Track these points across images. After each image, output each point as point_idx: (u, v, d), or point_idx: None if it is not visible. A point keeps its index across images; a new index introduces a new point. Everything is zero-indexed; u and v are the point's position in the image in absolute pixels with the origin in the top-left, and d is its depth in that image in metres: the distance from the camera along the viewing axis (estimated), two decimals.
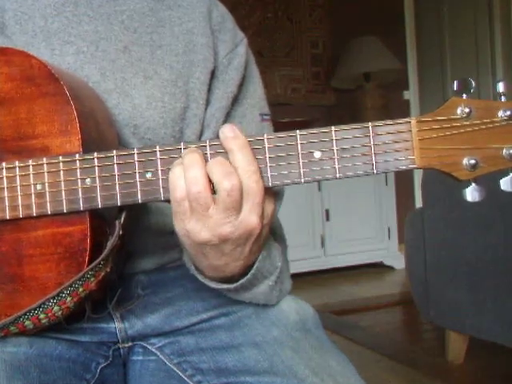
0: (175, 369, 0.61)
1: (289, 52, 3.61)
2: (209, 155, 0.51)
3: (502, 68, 3.62)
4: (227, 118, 0.72)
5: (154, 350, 0.63)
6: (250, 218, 0.50)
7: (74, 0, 0.68)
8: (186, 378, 0.59)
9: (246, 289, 0.59)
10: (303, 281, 3.10)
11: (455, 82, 0.48)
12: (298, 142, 0.49)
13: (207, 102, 0.71)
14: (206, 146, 0.51)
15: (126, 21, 0.69)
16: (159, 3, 0.72)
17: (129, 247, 0.65)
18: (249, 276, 0.57)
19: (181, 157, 0.51)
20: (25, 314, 0.54)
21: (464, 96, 0.48)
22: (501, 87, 0.48)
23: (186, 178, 0.49)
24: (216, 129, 0.70)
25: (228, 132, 0.50)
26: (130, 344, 0.65)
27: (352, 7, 3.61)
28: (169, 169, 0.51)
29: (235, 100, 0.73)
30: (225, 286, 0.58)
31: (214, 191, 0.49)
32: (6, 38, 0.66)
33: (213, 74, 0.71)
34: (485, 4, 3.69)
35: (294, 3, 3.59)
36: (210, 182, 0.49)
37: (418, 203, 3.58)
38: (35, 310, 0.53)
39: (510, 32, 3.57)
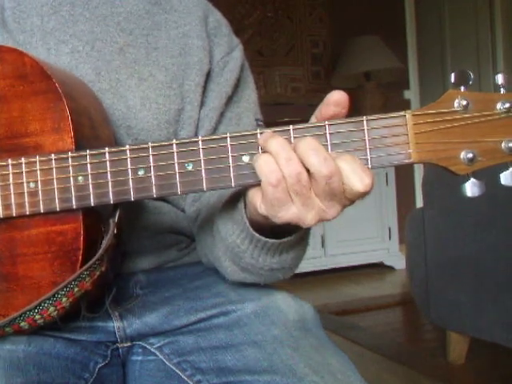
0: (175, 368, 0.60)
1: (289, 51, 3.61)
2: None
3: (503, 67, 3.61)
4: (223, 118, 0.72)
5: (153, 349, 0.63)
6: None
7: (71, 0, 0.69)
8: (185, 378, 0.59)
9: (302, 240, 0.57)
10: (303, 281, 3.10)
11: (453, 74, 0.47)
12: (292, 135, 0.49)
13: (202, 104, 0.71)
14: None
15: (122, 22, 0.70)
16: (155, 6, 0.72)
17: (126, 246, 0.65)
18: None
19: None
20: (20, 316, 0.54)
21: (462, 88, 0.47)
22: (500, 79, 0.47)
23: (280, 162, 0.46)
24: (209, 129, 0.71)
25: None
26: (128, 344, 0.65)
27: (352, 6, 3.61)
28: (160, 165, 0.50)
29: (231, 102, 0.73)
30: (285, 239, 0.55)
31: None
32: (7, 33, 0.67)
33: (208, 77, 0.71)
34: (486, 3, 3.69)
35: (294, 2, 3.59)
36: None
37: (419, 203, 3.58)
38: (31, 311, 0.53)
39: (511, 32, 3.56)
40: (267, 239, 0.55)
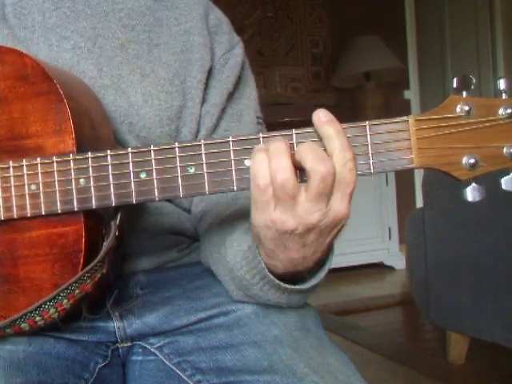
0: (175, 368, 0.60)
1: (289, 51, 3.61)
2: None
3: (503, 67, 3.61)
4: (224, 115, 0.72)
5: (153, 349, 0.63)
6: (340, 206, 0.48)
7: None
8: (185, 378, 0.59)
9: (315, 288, 0.58)
10: None
11: (455, 79, 0.47)
12: (294, 141, 0.49)
13: (203, 101, 0.71)
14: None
15: (124, 19, 0.70)
16: (157, 3, 0.73)
17: (127, 247, 0.65)
18: (324, 271, 0.56)
19: (254, 145, 0.49)
20: (21, 317, 0.53)
21: (464, 93, 0.48)
22: (502, 84, 0.47)
23: (271, 166, 0.47)
24: (210, 126, 0.71)
25: (323, 116, 0.48)
26: (129, 344, 0.65)
27: (352, 6, 3.60)
28: (162, 168, 0.50)
29: (232, 98, 0.73)
30: (298, 287, 0.56)
31: (300, 180, 0.48)
32: (8, 29, 0.67)
33: (209, 74, 0.71)
34: (486, 3, 3.69)
35: (294, 2, 3.59)
36: (298, 169, 0.47)
37: (419, 203, 3.58)
38: (31, 312, 0.53)
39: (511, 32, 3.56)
40: (280, 282, 0.55)
